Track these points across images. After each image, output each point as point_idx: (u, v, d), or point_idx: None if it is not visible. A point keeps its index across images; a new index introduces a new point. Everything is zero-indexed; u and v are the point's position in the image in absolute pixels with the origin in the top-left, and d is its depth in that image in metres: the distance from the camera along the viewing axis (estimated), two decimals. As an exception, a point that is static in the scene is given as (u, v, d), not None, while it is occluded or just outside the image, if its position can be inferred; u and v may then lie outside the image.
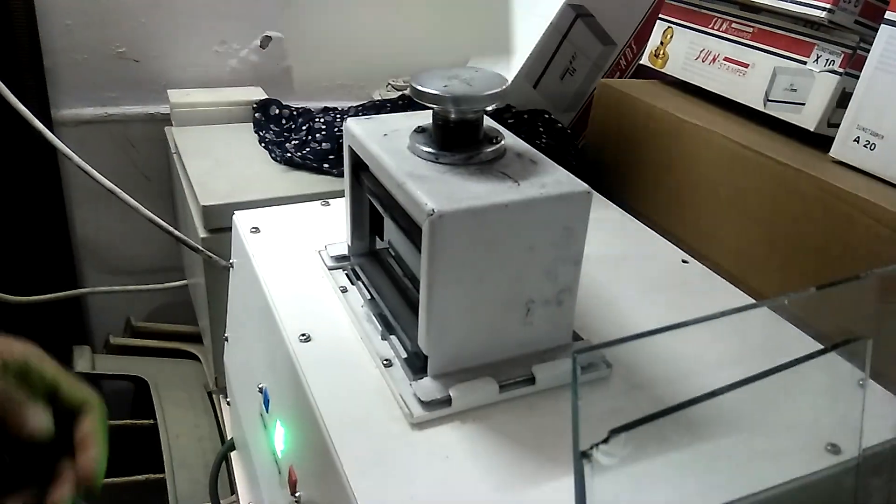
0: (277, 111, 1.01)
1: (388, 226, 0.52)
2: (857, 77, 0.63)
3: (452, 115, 0.43)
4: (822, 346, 0.35)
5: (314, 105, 1.03)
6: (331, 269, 0.54)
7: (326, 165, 0.86)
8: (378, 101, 1.01)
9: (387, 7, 1.08)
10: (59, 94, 1.04)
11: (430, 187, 0.40)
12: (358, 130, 0.47)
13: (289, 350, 0.46)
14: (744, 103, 0.75)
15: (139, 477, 0.88)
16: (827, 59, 0.68)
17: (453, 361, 0.43)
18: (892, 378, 0.41)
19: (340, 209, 0.61)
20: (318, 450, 0.40)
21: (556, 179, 0.42)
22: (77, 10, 1.01)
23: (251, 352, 0.58)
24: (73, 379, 0.44)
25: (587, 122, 0.94)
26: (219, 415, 0.93)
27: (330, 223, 0.61)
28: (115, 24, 1.03)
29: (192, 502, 0.83)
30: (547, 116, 0.94)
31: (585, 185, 0.41)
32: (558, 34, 1.00)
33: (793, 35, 0.71)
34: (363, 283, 0.52)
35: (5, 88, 0.71)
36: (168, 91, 1.05)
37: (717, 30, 0.79)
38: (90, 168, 0.73)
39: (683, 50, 0.83)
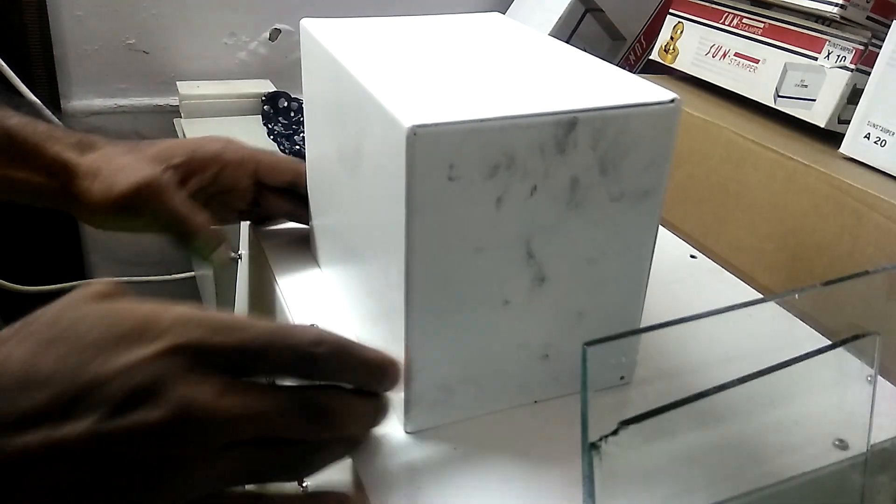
0: (286, 104, 1.01)
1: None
2: (869, 73, 0.63)
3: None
4: (830, 342, 0.35)
5: (323, 98, 1.03)
6: (339, 261, 0.54)
7: (335, 158, 0.86)
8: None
9: (392, 3, 1.08)
10: (69, 84, 1.04)
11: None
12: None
13: (297, 341, 0.46)
14: (754, 99, 0.75)
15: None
16: (838, 56, 0.67)
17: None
18: (902, 374, 0.41)
19: (349, 201, 0.61)
20: (325, 440, 0.41)
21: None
22: (88, 2, 1.01)
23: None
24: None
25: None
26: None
27: (338, 215, 0.61)
28: (125, 15, 1.04)
29: (199, 492, 0.83)
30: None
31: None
32: (567, 29, 1.00)
33: (804, 31, 0.71)
34: (371, 275, 0.52)
35: (17, 78, 0.71)
36: (177, 83, 1.05)
37: (728, 25, 0.79)
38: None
39: (693, 45, 0.83)
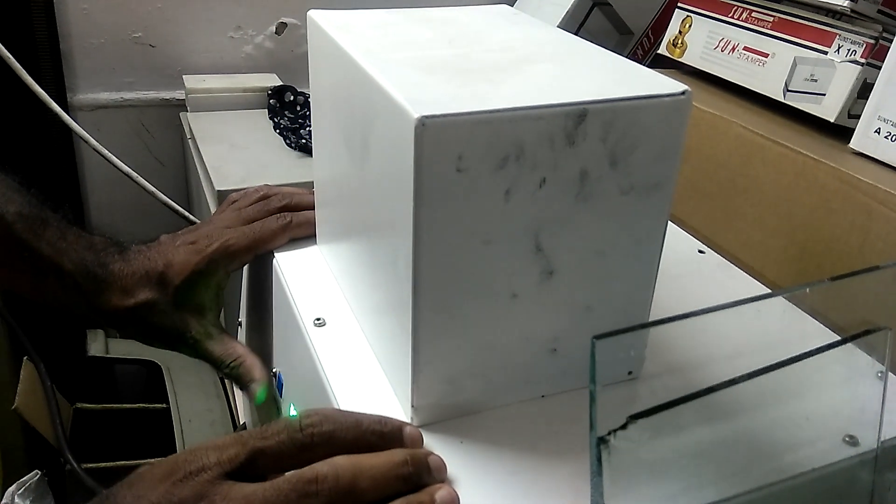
0: (292, 98, 1.01)
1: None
2: (879, 67, 0.63)
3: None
4: (840, 338, 0.35)
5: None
6: (345, 254, 0.54)
7: (341, 152, 0.86)
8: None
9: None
10: (75, 78, 1.04)
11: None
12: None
13: (303, 334, 0.46)
14: (763, 93, 0.74)
15: (152, 460, 0.89)
16: (848, 50, 0.67)
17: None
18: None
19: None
20: (332, 433, 0.40)
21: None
22: (94, -5, 1.01)
23: (265, 336, 0.58)
24: None
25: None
26: (231, 399, 0.94)
27: (345, 209, 0.61)
28: (131, 9, 1.03)
29: (204, 486, 0.83)
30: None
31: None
32: (575, 23, 0.99)
33: (814, 25, 0.70)
34: (378, 268, 0.52)
35: (23, 71, 0.71)
36: (183, 76, 1.05)
37: (737, 19, 0.78)
38: (108, 152, 0.73)
39: (702, 39, 0.83)
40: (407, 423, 0.37)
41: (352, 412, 0.37)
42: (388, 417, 0.37)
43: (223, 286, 0.53)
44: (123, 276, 0.50)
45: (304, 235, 0.54)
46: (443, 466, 0.36)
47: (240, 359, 0.51)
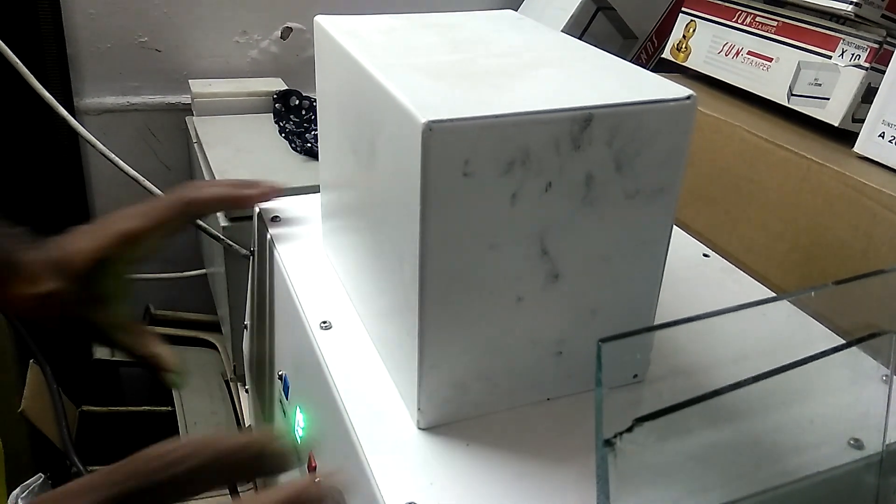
0: (297, 102, 1.01)
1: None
2: (883, 72, 0.63)
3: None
4: (845, 341, 0.35)
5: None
6: (351, 258, 0.54)
7: (346, 156, 0.86)
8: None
9: (405, 0, 1.08)
10: (82, 82, 1.05)
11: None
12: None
13: (310, 338, 0.46)
14: (767, 98, 0.75)
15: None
16: (852, 54, 0.67)
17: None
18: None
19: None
20: (338, 436, 0.41)
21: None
22: (101, 0, 1.02)
23: (271, 339, 0.58)
24: None
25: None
26: (236, 403, 0.94)
27: (350, 213, 0.61)
28: (137, 13, 1.04)
29: (210, 489, 0.83)
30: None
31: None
32: (579, 27, 1.00)
33: (818, 29, 0.70)
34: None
35: (30, 75, 0.71)
36: (189, 81, 1.05)
37: (741, 23, 0.79)
38: (114, 156, 0.74)
39: (706, 44, 0.83)
40: None
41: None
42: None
43: (128, 273, 0.51)
44: (31, 264, 0.48)
45: (206, 210, 0.54)
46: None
47: (149, 348, 0.50)
